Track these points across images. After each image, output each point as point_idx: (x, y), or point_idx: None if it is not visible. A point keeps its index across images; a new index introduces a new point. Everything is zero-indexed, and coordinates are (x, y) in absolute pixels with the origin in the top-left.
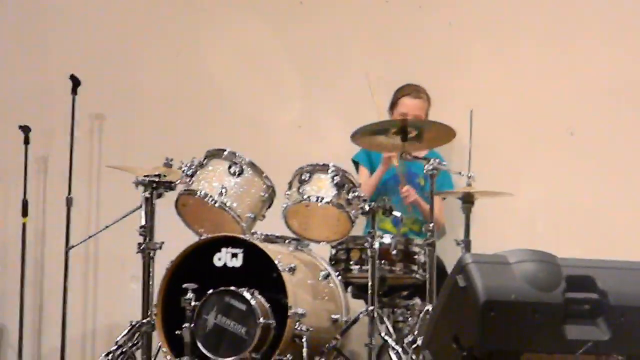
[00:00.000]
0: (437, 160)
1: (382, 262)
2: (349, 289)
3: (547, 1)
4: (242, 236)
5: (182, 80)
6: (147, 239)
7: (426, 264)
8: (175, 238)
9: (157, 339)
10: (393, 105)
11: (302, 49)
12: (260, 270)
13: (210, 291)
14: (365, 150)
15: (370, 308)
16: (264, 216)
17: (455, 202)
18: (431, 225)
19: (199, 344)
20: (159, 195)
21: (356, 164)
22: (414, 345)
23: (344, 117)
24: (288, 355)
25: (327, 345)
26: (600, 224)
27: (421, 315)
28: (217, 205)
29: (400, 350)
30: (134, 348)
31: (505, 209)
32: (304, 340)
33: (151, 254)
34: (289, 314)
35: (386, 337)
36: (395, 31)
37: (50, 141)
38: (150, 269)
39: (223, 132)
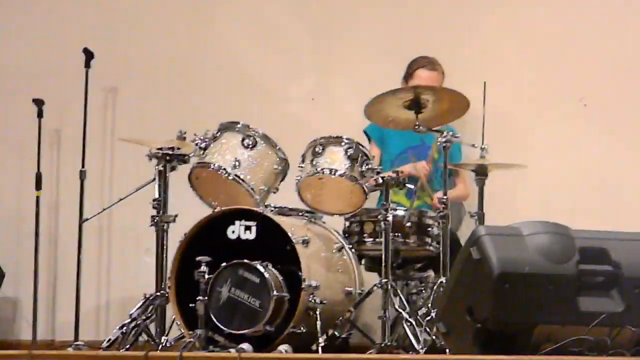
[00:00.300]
0: (451, 133)
1: (396, 234)
2: (363, 261)
3: None
4: (255, 209)
5: (196, 53)
6: (161, 211)
7: (440, 236)
8: (189, 211)
9: (171, 311)
10: (408, 76)
11: (316, 21)
12: (274, 243)
13: (224, 264)
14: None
15: (384, 280)
16: (277, 189)
17: (469, 175)
18: (445, 197)
19: (213, 317)
20: (173, 168)
21: (368, 136)
22: (428, 318)
23: (358, 89)
24: (302, 328)
25: (340, 317)
26: (614, 195)
27: (435, 287)
28: (230, 177)
29: (414, 322)
30: (148, 321)
31: (519, 180)
32: (317, 312)
33: (165, 227)
34: (302, 286)
35: (400, 310)
36: (408, 3)
37: (63, 114)
38: (164, 242)
39: (236, 104)
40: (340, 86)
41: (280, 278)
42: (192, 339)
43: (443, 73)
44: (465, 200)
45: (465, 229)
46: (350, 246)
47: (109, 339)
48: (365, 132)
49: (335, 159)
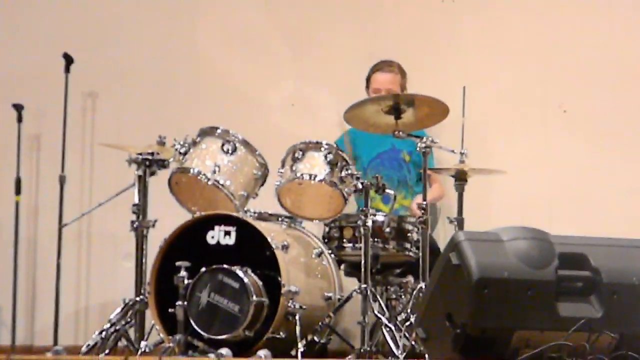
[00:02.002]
0: (430, 138)
1: (375, 239)
2: (342, 266)
3: None
4: (235, 214)
5: (175, 58)
6: (140, 217)
7: (419, 242)
8: (169, 216)
9: (151, 316)
10: (367, 82)
11: (295, 26)
12: (254, 248)
13: (204, 269)
14: (349, 133)
15: (363, 286)
16: (257, 194)
17: (448, 180)
18: (424, 203)
19: (192, 322)
20: (152, 173)
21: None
22: (407, 323)
23: (337, 95)
24: (281, 333)
25: (320, 323)
26: (593, 201)
27: (414, 292)
28: (210, 183)
29: (393, 327)
30: (127, 326)
31: (498, 186)
32: (297, 317)
33: (144, 232)
34: (282, 291)
35: (379, 315)
36: (387, 8)
37: (43, 119)
38: (144, 247)
39: (216, 110)
40: (319, 92)
41: (260, 283)
42: (171, 344)
43: (402, 73)
44: (441, 199)
45: (443, 233)
46: (330, 251)
47: (88, 344)
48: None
49: (315, 164)
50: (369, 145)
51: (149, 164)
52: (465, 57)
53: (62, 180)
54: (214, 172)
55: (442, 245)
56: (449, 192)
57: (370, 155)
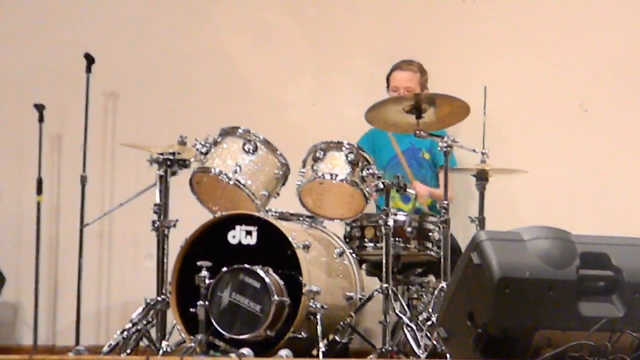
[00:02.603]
0: (451, 138)
1: (397, 239)
2: (364, 266)
3: None
4: (256, 214)
5: (196, 57)
6: (162, 216)
7: (440, 242)
8: (190, 216)
9: (172, 316)
10: (387, 81)
11: (317, 25)
12: (275, 248)
13: (225, 269)
14: (370, 134)
15: (385, 285)
16: (278, 194)
17: (469, 179)
18: (446, 202)
19: (214, 322)
20: (173, 173)
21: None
22: (429, 323)
23: (359, 94)
24: (302, 333)
25: (341, 322)
26: (615, 201)
27: (435, 292)
28: (231, 182)
29: (414, 327)
30: (149, 326)
31: (519, 185)
32: (318, 317)
33: (165, 232)
34: (303, 291)
35: (400, 315)
36: (408, 7)
37: (64, 119)
38: (165, 247)
39: (237, 109)
40: (340, 91)
41: (281, 283)
42: (192, 344)
43: (421, 71)
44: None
45: (464, 233)
46: (351, 251)
47: (110, 344)
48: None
49: (336, 164)
50: (389, 143)
51: (170, 164)
52: (486, 56)
53: (83, 181)
54: (235, 171)
55: (463, 245)
56: (471, 191)
57: (390, 154)
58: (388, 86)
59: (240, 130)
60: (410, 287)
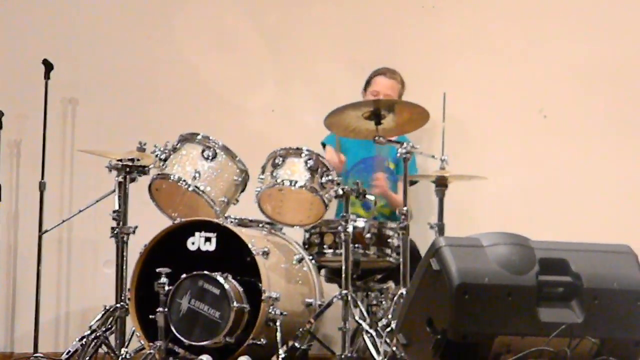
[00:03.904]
0: (410, 144)
1: (356, 245)
2: (323, 272)
3: None
4: (215, 220)
5: (156, 64)
6: (121, 223)
7: (400, 248)
8: (149, 222)
9: (131, 323)
10: (367, 84)
11: (277, 31)
12: (234, 254)
13: (184, 275)
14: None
15: (344, 292)
16: (237, 200)
17: (429, 186)
18: (405, 209)
19: (173, 328)
20: (132, 180)
21: (324, 145)
22: (388, 329)
23: (318, 101)
24: (262, 339)
25: (300, 329)
26: (574, 206)
27: (395, 298)
28: (190, 189)
29: (374, 333)
30: (108, 332)
31: (479, 192)
32: (277, 324)
33: (124, 239)
34: (262, 297)
35: (360, 321)
36: (369, 14)
37: (23, 125)
38: (124, 254)
39: (197, 116)
40: (300, 97)
41: (241, 289)
42: (152, 351)
43: (403, 84)
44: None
45: (424, 239)
46: (311, 257)
47: (69, 351)
48: (322, 144)
49: (295, 170)
50: (356, 148)
51: (129, 170)
52: (445, 62)
53: (42, 187)
54: (194, 178)
55: (423, 251)
56: (430, 198)
57: (355, 158)
58: (365, 89)
59: (199, 137)
60: (369, 293)
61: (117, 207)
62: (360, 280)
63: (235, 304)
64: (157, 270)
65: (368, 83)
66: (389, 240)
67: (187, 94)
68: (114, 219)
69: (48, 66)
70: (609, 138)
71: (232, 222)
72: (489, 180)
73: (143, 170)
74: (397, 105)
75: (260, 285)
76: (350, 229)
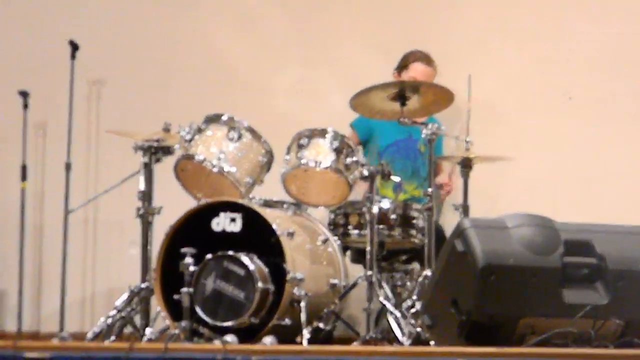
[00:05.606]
0: (436, 125)
1: (381, 226)
2: (348, 253)
3: None
4: (240, 201)
5: (181, 45)
6: (146, 203)
7: (425, 229)
8: (174, 203)
9: (156, 303)
10: (402, 67)
11: (302, 12)
12: (259, 235)
13: (209, 256)
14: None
15: (369, 273)
16: (262, 181)
17: (449, 167)
18: (430, 190)
19: (198, 309)
20: (158, 160)
21: (352, 128)
22: (413, 310)
23: (344, 81)
24: (286, 320)
25: (325, 309)
26: (599, 188)
27: (420, 279)
28: (215, 170)
29: (398, 314)
30: (133, 313)
31: (504, 173)
32: (302, 304)
33: (150, 219)
34: (287, 278)
35: (384, 302)
36: None
37: (49, 106)
38: (149, 234)
39: (222, 96)
40: (325, 78)
41: (265, 270)
42: (176, 331)
43: (436, 70)
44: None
45: (449, 220)
46: (336, 238)
47: (94, 331)
48: (351, 126)
49: (320, 151)
50: (387, 130)
51: (154, 151)
52: (471, 45)
53: (68, 167)
54: (219, 159)
55: (448, 232)
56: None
57: (387, 141)
58: (399, 71)
59: (224, 118)
60: (394, 274)
61: (142, 188)
62: (385, 261)
63: (260, 284)
64: (182, 250)
65: (405, 67)
66: (414, 221)
67: (212, 75)
68: (139, 199)
69: (74, 47)
70: (635, 120)
71: (257, 202)
72: (513, 161)
73: (168, 150)
74: (422, 87)
75: (284, 266)
76: (375, 209)
